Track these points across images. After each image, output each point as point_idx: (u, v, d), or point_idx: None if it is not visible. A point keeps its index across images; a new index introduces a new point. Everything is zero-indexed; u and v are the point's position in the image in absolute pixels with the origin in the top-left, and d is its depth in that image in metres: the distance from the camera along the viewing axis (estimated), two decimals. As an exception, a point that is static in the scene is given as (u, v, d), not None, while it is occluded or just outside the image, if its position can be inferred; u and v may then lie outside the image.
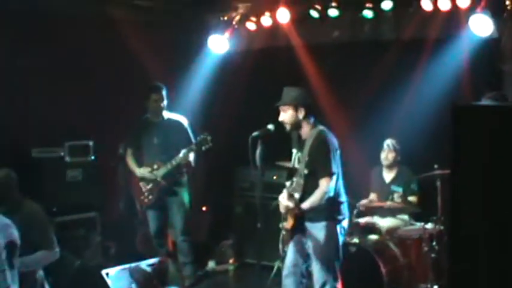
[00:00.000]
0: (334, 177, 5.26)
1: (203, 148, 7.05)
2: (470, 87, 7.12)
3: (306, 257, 5.47)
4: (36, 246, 5.31)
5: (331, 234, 5.34)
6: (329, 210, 5.31)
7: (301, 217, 5.32)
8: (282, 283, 5.59)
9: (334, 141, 5.44)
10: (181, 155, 7.04)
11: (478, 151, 2.34)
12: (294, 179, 5.47)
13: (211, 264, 8.22)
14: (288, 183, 5.54)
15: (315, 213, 5.29)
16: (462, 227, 2.45)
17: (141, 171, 7.27)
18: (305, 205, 5.25)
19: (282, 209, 5.41)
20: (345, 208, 5.48)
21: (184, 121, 7.34)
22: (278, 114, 5.42)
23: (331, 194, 5.25)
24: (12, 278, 4.35)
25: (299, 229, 5.39)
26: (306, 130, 5.41)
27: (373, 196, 7.11)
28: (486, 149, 2.33)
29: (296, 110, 5.35)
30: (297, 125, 5.39)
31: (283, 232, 5.44)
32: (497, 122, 2.36)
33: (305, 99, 5.41)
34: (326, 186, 5.21)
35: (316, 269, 5.37)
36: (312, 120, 5.43)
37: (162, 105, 7.24)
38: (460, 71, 7.24)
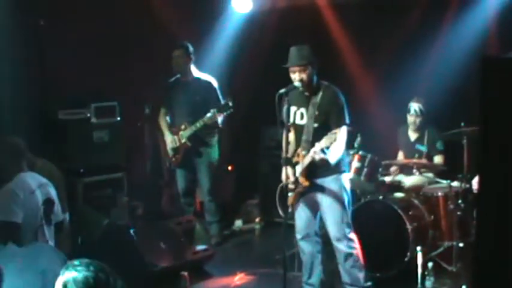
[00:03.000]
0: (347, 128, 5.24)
1: (224, 113, 6.99)
2: (497, 46, 7.03)
3: (317, 216, 5.47)
4: None
5: (343, 185, 5.35)
6: (338, 162, 5.29)
7: (315, 174, 5.30)
8: (298, 246, 5.63)
9: None
10: (207, 116, 7.02)
11: (508, 105, 2.31)
12: (291, 135, 5.45)
13: (237, 224, 8.30)
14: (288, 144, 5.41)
15: (327, 167, 5.25)
16: (491, 184, 2.43)
17: (168, 134, 7.31)
18: (332, 157, 5.17)
19: (298, 171, 5.33)
20: (346, 160, 5.53)
21: (214, 82, 7.26)
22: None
23: None
24: (49, 233, 4.46)
25: (310, 188, 5.36)
26: (313, 87, 5.36)
27: (400, 155, 7.11)
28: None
29: (312, 67, 5.31)
30: (312, 82, 5.34)
31: (292, 193, 5.37)
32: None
33: (315, 57, 5.36)
34: (346, 135, 5.18)
35: (331, 224, 5.36)
36: (316, 76, 5.40)
37: (185, 62, 7.21)
38: (486, 30, 7.14)
